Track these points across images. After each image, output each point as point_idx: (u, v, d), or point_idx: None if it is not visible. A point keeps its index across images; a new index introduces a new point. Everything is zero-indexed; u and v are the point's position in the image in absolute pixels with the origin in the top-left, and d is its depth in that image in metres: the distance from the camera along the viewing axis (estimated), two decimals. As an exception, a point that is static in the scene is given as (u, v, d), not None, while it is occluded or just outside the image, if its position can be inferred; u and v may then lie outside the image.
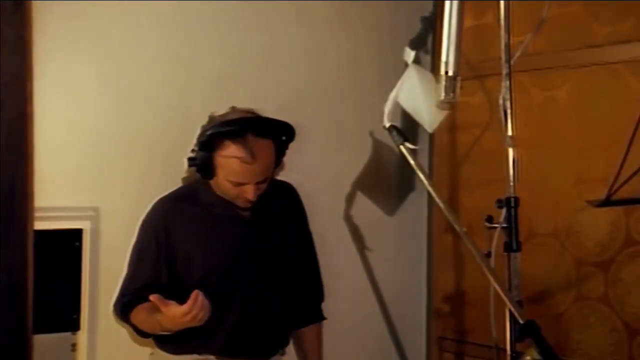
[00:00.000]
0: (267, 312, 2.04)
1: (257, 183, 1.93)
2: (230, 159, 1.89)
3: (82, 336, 1.94)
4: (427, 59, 2.69)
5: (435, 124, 1.91)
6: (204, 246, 2.00)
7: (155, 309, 1.80)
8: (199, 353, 1.98)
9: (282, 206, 2.13)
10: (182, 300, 1.80)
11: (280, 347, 2.12)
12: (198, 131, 1.93)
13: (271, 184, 2.03)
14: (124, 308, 1.96)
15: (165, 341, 1.98)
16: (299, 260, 2.18)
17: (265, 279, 2.04)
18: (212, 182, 1.97)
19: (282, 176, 2.14)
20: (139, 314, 1.93)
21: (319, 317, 2.23)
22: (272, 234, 2.08)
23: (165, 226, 1.98)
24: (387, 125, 1.89)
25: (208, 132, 1.90)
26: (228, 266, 2.01)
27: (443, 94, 1.77)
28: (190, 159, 1.95)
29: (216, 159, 1.90)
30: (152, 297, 1.75)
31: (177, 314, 1.75)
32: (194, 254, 1.99)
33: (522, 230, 1.73)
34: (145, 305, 1.88)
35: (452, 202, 2.57)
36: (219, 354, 1.99)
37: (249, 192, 1.92)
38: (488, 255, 1.68)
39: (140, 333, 1.97)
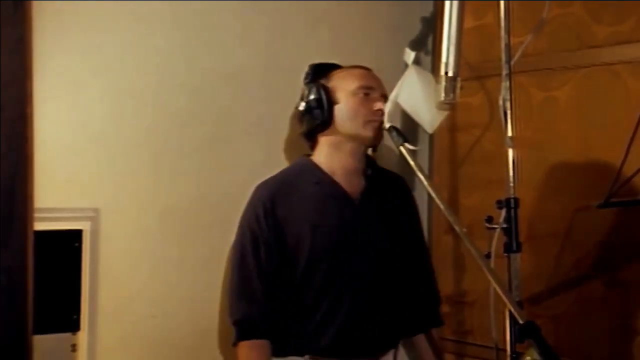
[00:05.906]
0: (379, 308, 1.93)
1: (381, 95, 1.92)
2: (348, 69, 1.97)
3: (82, 336, 1.93)
4: (427, 59, 2.69)
5: (435, 125, 1.91)
6: (313, 222, 1.89)
7: None
8: (302, 354, 1.89)
9: (393, 197, 2.05)
10: (287, 286, 1.85)
11: (389, 349, 2.00)
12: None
13: (382, 172, 2.03)
14: (240, 336, 1.89)
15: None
16: (412, 256, 2.07)
17: (377, 270, 1.93)
18: (328, 131, 1.94)
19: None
20: (243, 354, 1.88)
21: (438, 321, 2.15)
22: (383, 222, 1.97)
23: (272, 200, 1.90)
24: (387, 125, 1.89)
25: (313, 68, 1.99)
26: (337, 250, 1.90)
27: (443, 94, 1.77)
28: (302, 116, 1.97)
29: (333, 83, 1.95)
30: None
31: None
32: (303, 231, 1.88)
33: (522, 231, 1.73)
34: (254, 354, 1.86)
35: (452, 202, 2.57)
36: (323, 354, 1.88)
37: (377, 100, 1.90)
38: (488, 256, 1.68)
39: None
